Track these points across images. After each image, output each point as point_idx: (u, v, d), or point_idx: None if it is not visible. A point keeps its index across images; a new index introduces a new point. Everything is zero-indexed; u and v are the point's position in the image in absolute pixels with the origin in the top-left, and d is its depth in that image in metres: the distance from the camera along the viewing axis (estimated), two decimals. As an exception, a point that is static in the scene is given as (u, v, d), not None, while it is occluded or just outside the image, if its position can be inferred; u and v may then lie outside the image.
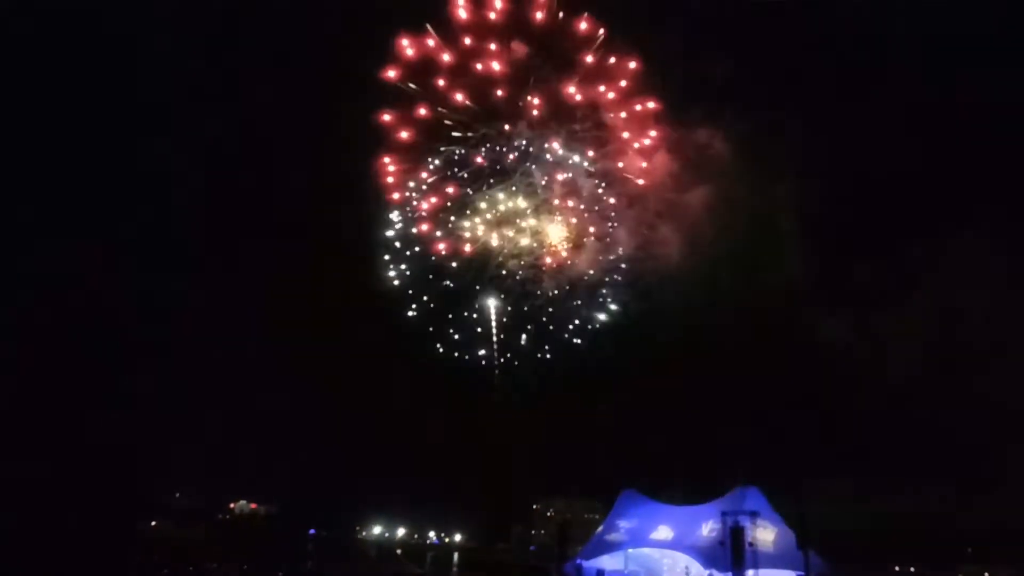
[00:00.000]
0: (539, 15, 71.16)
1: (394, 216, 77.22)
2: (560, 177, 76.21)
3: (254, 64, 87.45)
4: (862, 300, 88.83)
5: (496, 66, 72.12)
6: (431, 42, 72.08)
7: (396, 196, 76.30)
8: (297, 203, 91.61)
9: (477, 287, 79.87)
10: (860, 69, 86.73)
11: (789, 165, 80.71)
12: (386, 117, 73.38)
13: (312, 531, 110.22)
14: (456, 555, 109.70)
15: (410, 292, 79.62)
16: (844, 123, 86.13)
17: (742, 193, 78.44)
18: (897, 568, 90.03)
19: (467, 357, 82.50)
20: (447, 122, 74.19)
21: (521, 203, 77.38)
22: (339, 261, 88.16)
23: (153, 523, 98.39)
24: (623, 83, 73.60)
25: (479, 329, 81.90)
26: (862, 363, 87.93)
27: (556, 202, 77.25)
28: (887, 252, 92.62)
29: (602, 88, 73.98)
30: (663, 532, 79.54)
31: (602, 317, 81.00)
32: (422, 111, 73.45)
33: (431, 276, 79.13)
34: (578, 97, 74.09)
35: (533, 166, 76.34)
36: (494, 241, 78.18)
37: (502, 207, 77.24)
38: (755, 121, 77.48)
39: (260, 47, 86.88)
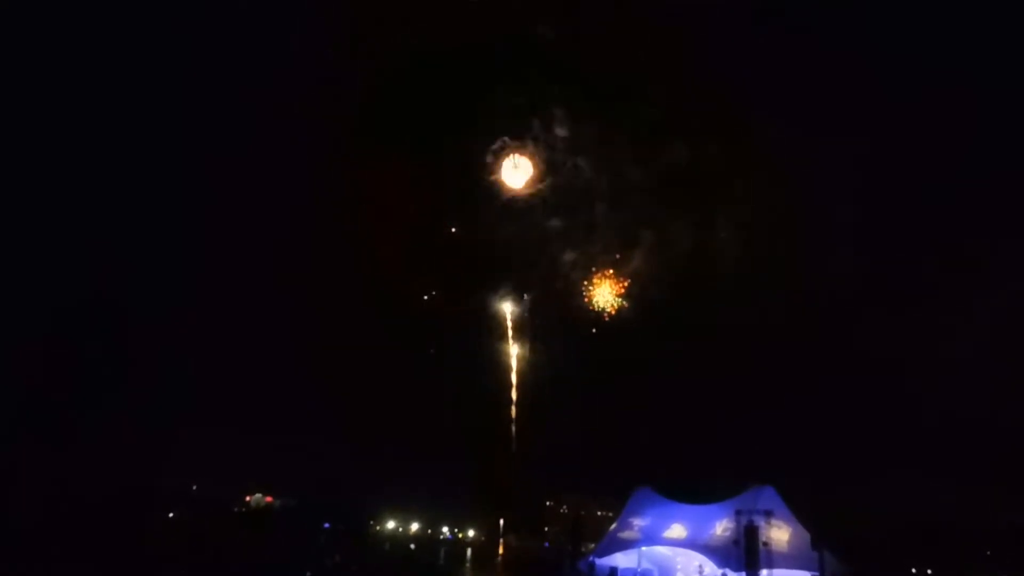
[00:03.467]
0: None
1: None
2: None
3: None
4: (889, 299, 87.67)
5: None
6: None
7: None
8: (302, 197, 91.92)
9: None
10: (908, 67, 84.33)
11: (833, 161, 78.83)
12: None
13: (327, 525, 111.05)
14: (469, 550, 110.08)
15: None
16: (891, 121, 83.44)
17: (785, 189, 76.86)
18: (914, 570, 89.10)
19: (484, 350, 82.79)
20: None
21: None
22: (353, 255, 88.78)
23: (171, 514, 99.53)
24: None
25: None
26: (885, 364, 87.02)
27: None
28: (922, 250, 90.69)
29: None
30: (677, 531, 79.28)
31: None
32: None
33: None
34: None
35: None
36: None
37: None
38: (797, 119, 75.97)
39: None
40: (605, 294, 75.28)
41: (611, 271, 74.87)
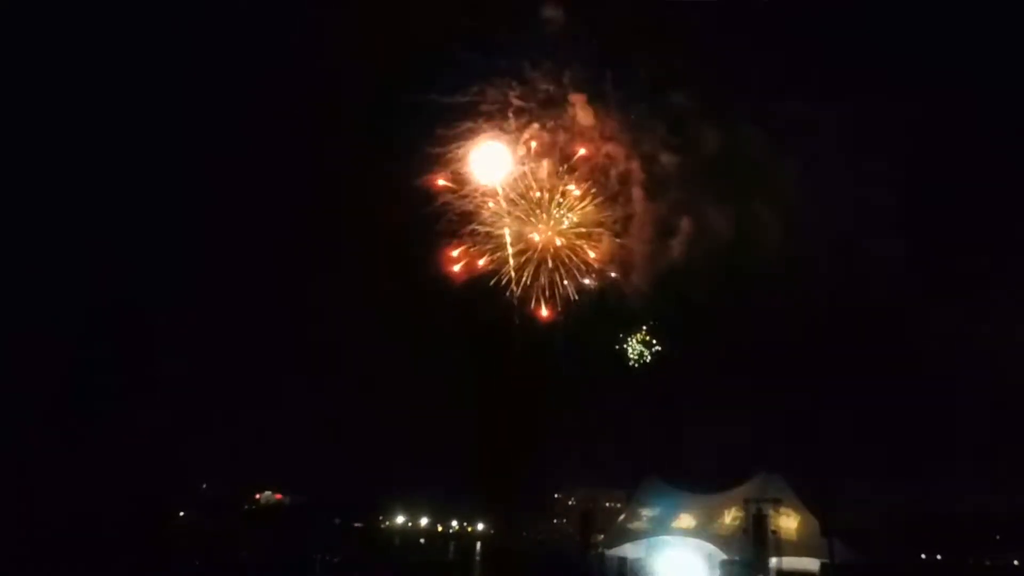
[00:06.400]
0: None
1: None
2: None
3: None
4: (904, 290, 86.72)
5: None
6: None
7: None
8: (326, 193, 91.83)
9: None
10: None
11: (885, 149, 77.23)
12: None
13: (337, 520, 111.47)
14: (479, 544, 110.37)
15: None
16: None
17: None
18: (923, 556, 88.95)
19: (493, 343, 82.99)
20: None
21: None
22: (364, 253, 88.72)
23: (182, 513, 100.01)
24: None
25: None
26: (893, 354, 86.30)
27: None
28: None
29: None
30: (685, 520, 79.51)
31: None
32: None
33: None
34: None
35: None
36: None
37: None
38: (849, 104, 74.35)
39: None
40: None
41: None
